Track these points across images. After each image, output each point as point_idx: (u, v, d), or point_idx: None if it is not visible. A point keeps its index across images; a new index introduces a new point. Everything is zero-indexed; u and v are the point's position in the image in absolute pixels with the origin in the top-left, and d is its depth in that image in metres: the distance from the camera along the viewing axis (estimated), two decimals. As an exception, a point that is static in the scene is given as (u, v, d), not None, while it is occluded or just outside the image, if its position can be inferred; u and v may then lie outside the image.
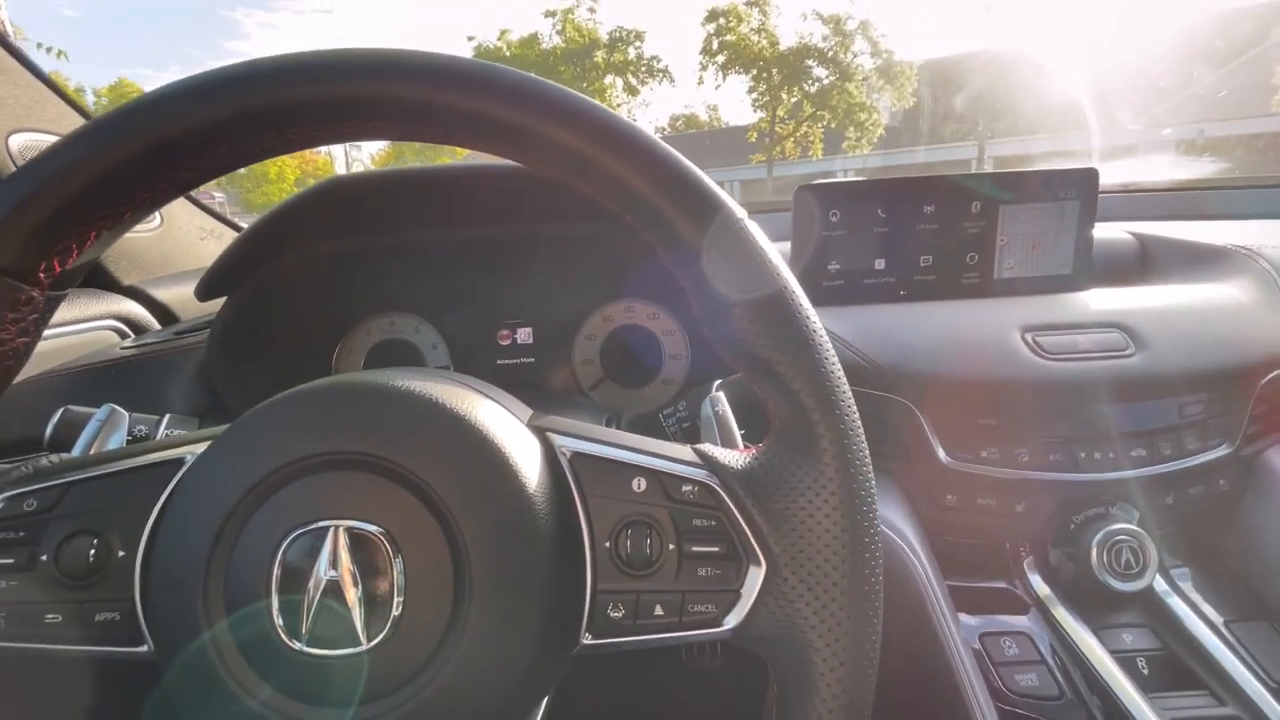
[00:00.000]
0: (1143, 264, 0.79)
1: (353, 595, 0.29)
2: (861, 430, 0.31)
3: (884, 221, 0.75)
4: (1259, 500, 0.56)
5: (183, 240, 0.79)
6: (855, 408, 0.31)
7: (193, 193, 0.71)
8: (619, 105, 19.81)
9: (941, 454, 0.56)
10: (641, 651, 0.32)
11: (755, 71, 18.15)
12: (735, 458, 0.33)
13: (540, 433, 0.34)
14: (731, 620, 0.31)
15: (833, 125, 17.91)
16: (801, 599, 0.30)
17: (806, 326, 0.31)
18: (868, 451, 0.31)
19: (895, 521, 0.54)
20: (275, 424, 0.32)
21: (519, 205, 0.62)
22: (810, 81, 17.98)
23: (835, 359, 0.31)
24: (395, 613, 0.29)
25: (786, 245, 0.75)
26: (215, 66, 0.31)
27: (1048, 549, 0.55)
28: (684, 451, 0.34)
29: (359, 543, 0.29)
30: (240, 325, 0.60)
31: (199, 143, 0.30)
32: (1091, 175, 0.74)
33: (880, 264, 0.77)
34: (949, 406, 0.55)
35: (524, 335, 0.74)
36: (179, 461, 0.33)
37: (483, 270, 0.70)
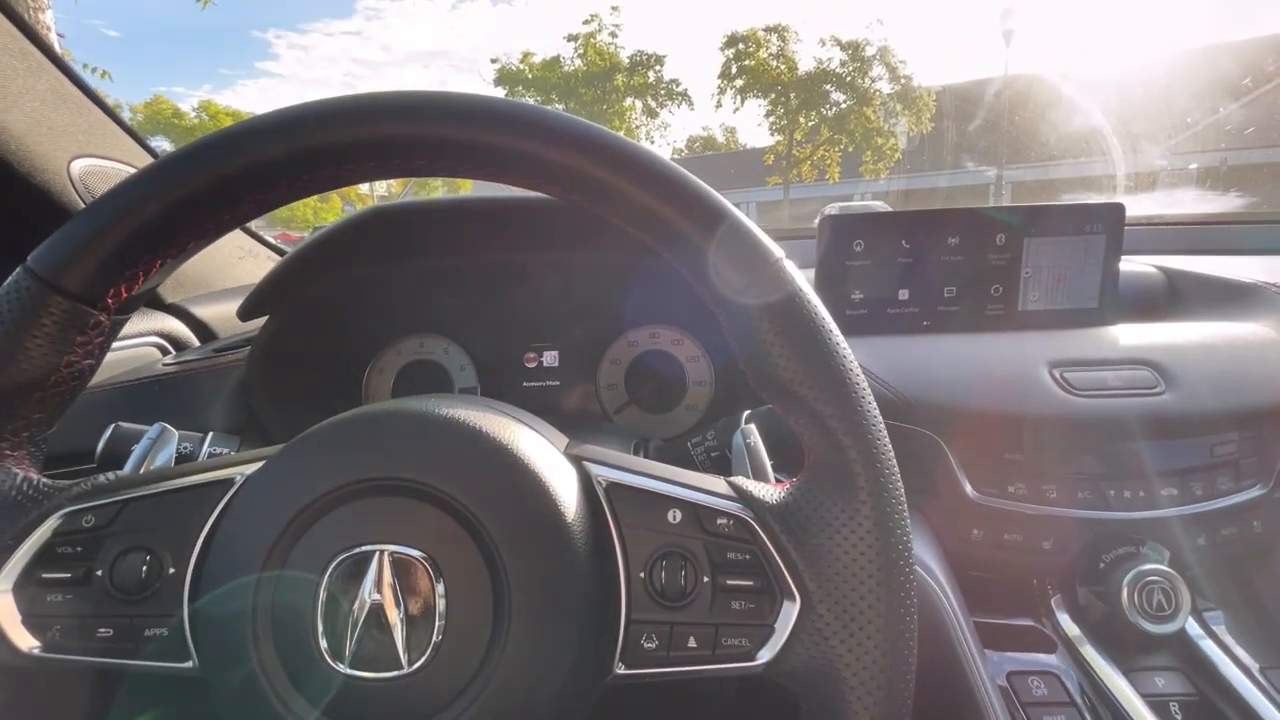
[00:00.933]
0: (1170, 299, 0.79)
1: (395, 619, 0.30)
2: (896, 466, 0.32)
3: (908, 252, 0.76)
4: (1294, 543, 0.55)
5: (221, 260, 0.82)
6: (889, 443, 0.32)
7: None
8: (638, 127, 20.09)
9: (968, 488, 0.55)
10: (673, 683, 0.32)
11: (773, 95, 18.33)
12: (770, 492, 0.33)
13: (577, 461, 0.35)
14: (765, 654, 0.31)
15: (850, 149, 17.98)
16: (836, 636, 0.30)
17: (839, 357, 0.31)
18: (902, 488, 0.32)
19: (921, 556, 0.53)
20: (323, 449, 0.33)
21: (548, 233, 0.64)
22: (828, 106, 18.11)
23: (869, 392, 0.32)
24: (436, 638, 0.30)
25: (810, 273, 0.75)
26: (272, 106, 0.32)
27: (1076, 587, 0.55)
28: (718, 484, 0.34)
29: (402, 567, 0.30)
30: (279, 345, 0.61)
31: (263, 178, 0.32)
32: (1118, 210, 0.74)
33: (904, 294, 0.77)
34: (976, 441, 0.55)
35: (550, 358, 0.75)
36: (229, 482, 0.34)
37: (511, 294, 0.72)
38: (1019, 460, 0.55)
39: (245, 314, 0.61)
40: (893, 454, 0.32)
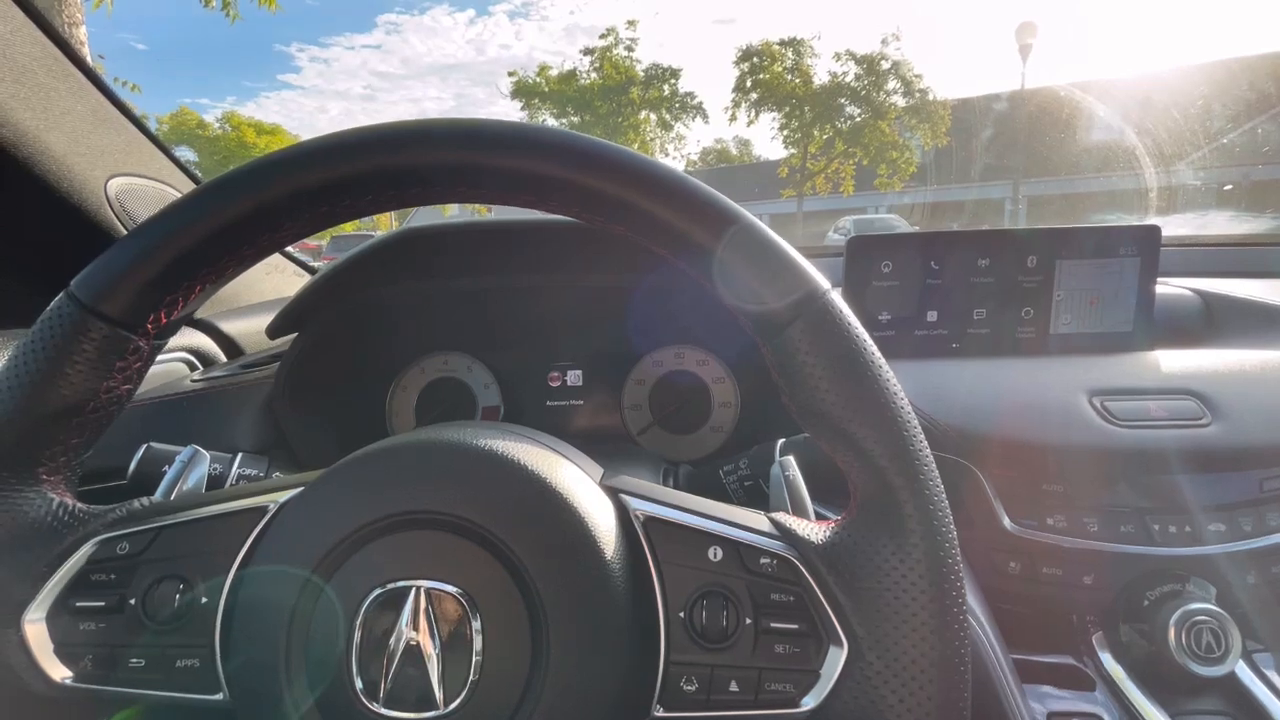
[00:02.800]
0: (1206, 323, 0.77)
1: (432, 658, 0.29)
2: (948, 507, 0.31)
3: (936, 273, 0.75)
4: (1349, 583, 0.53)
5: (249, 275, 0.82)
6: (941, 483, 0.31)
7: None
8: (653, 140, 20.21)
9: (1005, 520, 0.54)
10: None
11: (787, 109, 18.39)
12: (814, 530, 0.32)
13: (614, 494, 0.34)
14: (810, 701, 0.30)
15: (864, 163, 17.97)
16: (886, 685, 0.29)
17: (889, 392, 0.30)
18: (955, 531, 0.30)
19: (957, 589, 0.52)
20: (358, 481, 0.33)
21: (574, 254, 0.64)
22: (843, 119, 18.13)
23: (919, 429, 0.31)
24: (473, 676, 0.29)
25: (836, 292, 0.74)
26: (322, 131, 0.32)
27: (1119, 625, 0.53)
28: (760, 521, 0.33)
29: (439, 604, 0.30)
30: (307, 362, 0.62)
31: (303, 205, 0.31)
32: (1154, 232, 0.73)
33: (932, 316, 0.76)
34: (1014, 471, 0.54)
35: (574, 378, 0.75)
36: (262, 510, 0.33)
37: (535, 313, 0.72)
38: (1058, 491, 0.53)
39: (274, 332, 0.61)
40: (944, 494, 0.31)
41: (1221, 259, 0.94)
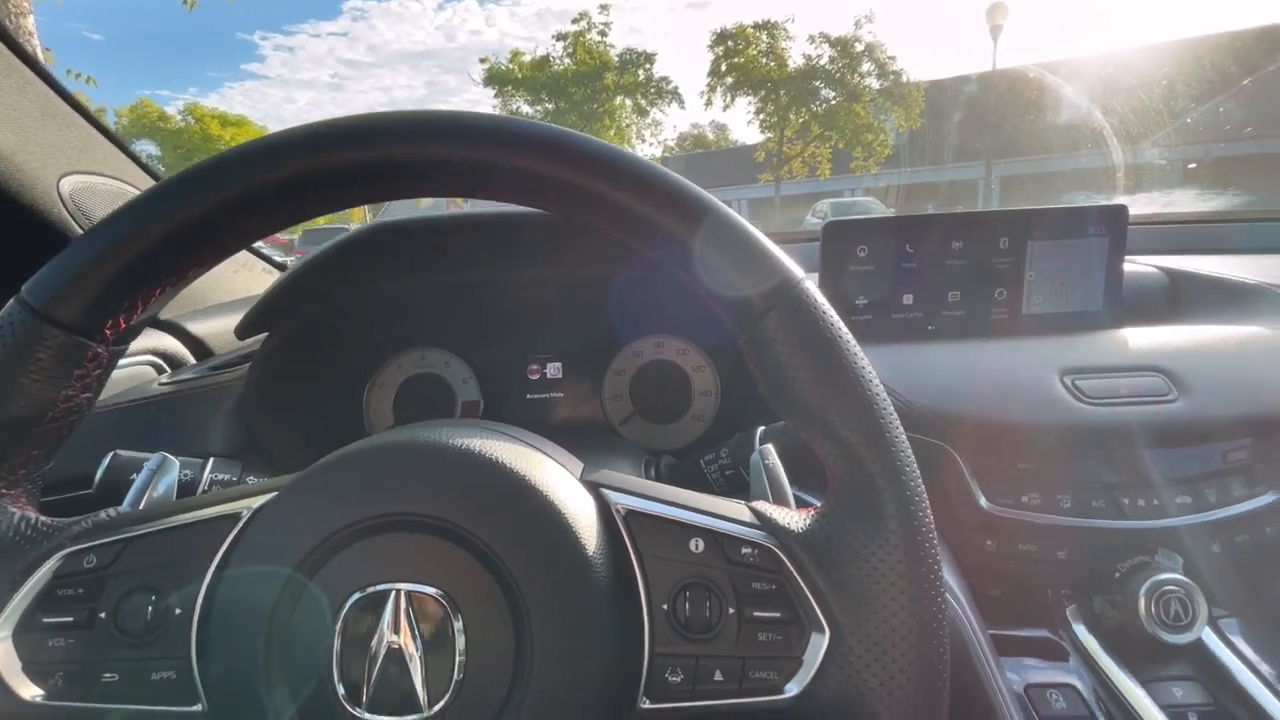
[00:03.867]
0: (1172, 301, 0.79)
1: (414, 660, 0.29)
2: (925, 493, 0.31)
3: (911, 256, 0.75)
4: (1308, 548, 0.55)
5: (216, 273, 0.80)
6: (917, 469, 0.31)
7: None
8: (628, 125, 20.04)
9: (982, 499, 0.55)
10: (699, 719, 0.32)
11: (763, 92, 18.34)
12: (794, 519, 0.33)
13: (594, 489, 0.34)
14: (793, 687, 0.30)
15: (840, 146, 18.02)
16: (868, 669, 0.29)
17: (864, 380, 0.31)
18: (931, 516, 0.31)
19: (936, 568, 0.53)
20: (334, 484, 0.32)
21: (550, 246, 0.63)
22: (818, 102, 18.14)
23: (895, 416, 0.31)
24: (457, 676, 0.29)
25: (813, 278, 0.75)
26: (278, 128, 0.31)
27: (1091, 597, 0.54)
28: (740, 511, 0.33)
29: (420, 606, 0.29)
30: (279, 362, 0.60)
31: (265, 202, 0.31)
32: (1121, 212, 0.74)
33: (908, 299, 0.76)
34: (989, 450, 0.55)
35: (554, 370, 0.74)
36: (235, 516, 0.33)
37: (513, 306, 0.71)
38: (1032, 470, 0.54)
39: (244, 332, 0.60)
40: (920, 480, 0.31)
41: (1186, 236, 0.96)
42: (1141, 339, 0.62)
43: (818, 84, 17.97)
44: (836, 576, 0.30)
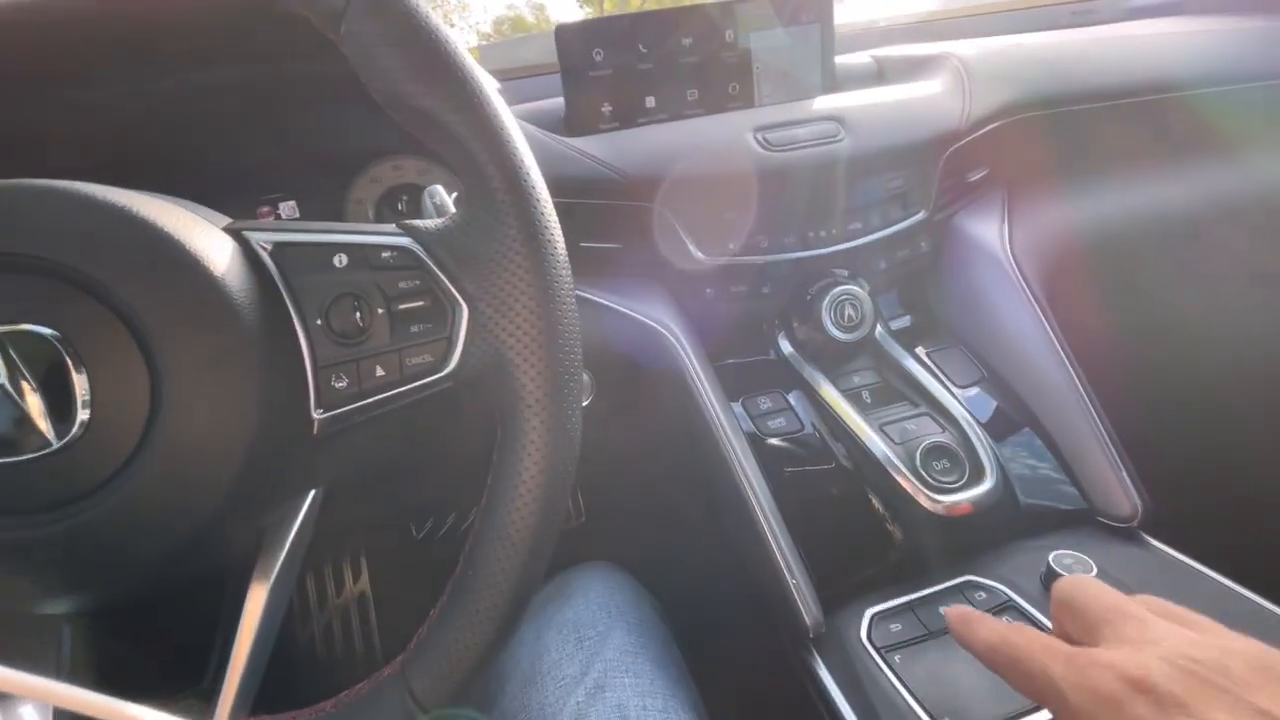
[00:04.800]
0: (879, 80, 0.88)
1: (33, 401, 0.28)
2: (536, 169, 0.34)
3: (646, 57, 0.77)
4: (948, 254, 0.68)
5: None
6: (529, 153, 0.34)
7: None
8: (435, 7, 17.83)
9: (696, 252, 0.61)
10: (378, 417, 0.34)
11: (574, -39, 17.02)
12: (433, 223, 0.35)
13: (236, 234, 0.33)
14: (448, 365, 0.34)
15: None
16: (499, 326, 0.33)
17: (462, 70, 0.32)
18: (543, 187, 0.34)
19: (662, 318, 0.60)
20: None
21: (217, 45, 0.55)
22: (633, -30, 17.21)
23: (496, 97, 0.33)
24: (82, 415, 0.29)
25: (559, 100, 0.75)
26: None
27: (791, 319, 0.64)
28: (386, 227, 0.35)
29: (33, 348, 0.28)
30: None
31: None
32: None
33: (651, 102, 0.79)
34: (697, 206, 0.61)
35: (287, 210, 0.69)
36: None
37: (225, 136, 0.63)
38: (734, 218, 0.61)
39: None
40: (533, 159, 0.34)
41: (904, 34, 1.07)
42: (827, 101, 0.70)
43: (630, -51, 16.95)
44: (465, 258, 0.33)
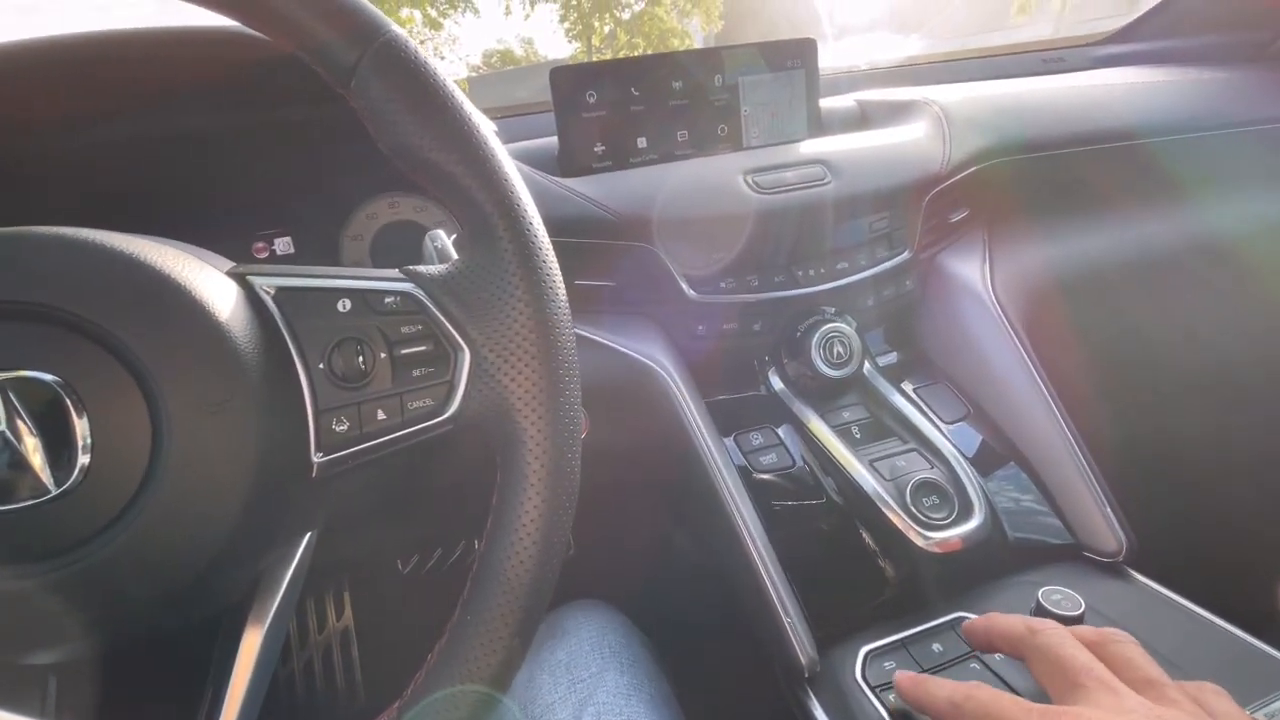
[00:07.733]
0: (861, 123, 0.92)
1: (32, 448, 0.28)
2: (538, 217, 0.35)
3: (639, 99, 0.79)
4: (932, 292, 0.70)
5: None
6: (529, 198, 0.35)
7: None
8: (424, 42, 18.17)
9: (688, 291, 0.63)
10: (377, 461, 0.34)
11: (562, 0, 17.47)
12: (436, 269, 0.35)
13: (240, 278, 0.34)
14: (450, 409, 0.34)
15: (648, 52, 17.88)
16: (502, 372, 0.33)
17: (467, 121, 0.33)
18: (544, 235, 0.35)
19: (654, 354, 0.61)
20: None
21: (234, 87, 0.56)
22: (621, 8, 17.68)
23: (501, 150, 0.34)
24: (83, 460, 0.29)
25: (552, 139, 0.76)
26: None
27: (781, 356, 0.66)
28: (389, 272, 0.35)
29: (34, 396, 0.28)
30: None
31: None
32: (810, 43, 0.83)
33: (642, 142, 0.81)
34: (689, 246, 0.62)
35: (283, 245, 0.70)
36: None
37: (224, 173, 0.64)
38: (725, 258, 0.63)
39: None
40: (535, 207, 0.35)
41: (883, 79, 1.11)
42: (814, 145, 0.72)
43: (617, -13, 17.44)
44: (468, 303, 0.34)
